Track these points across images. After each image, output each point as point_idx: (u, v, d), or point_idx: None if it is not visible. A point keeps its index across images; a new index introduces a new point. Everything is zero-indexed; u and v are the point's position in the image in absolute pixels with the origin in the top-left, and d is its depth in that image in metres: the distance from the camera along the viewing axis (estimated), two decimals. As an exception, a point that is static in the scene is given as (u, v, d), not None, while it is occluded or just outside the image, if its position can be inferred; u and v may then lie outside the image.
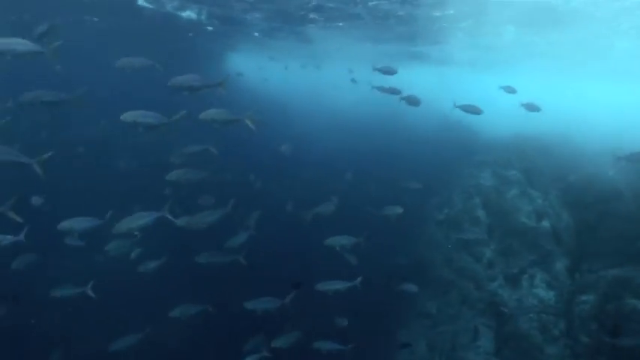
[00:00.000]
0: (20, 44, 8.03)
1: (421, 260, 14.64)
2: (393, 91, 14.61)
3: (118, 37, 22.21)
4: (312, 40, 25.04)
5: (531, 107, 14.37)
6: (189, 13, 20.86)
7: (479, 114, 13.62)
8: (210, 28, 23.54)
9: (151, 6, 19.99)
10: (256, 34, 24.84)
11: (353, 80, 26.02)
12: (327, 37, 23.97)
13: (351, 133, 23.15)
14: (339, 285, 10.62)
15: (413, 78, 22.84)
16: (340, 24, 21.41)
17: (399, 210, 12.81)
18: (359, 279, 10.79)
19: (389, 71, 14.48)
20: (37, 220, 9.18)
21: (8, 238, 8.82)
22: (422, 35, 22.92)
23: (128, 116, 8.34)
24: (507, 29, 20.54)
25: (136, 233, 9.17)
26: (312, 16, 20.17)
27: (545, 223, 14.21)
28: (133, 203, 9.86)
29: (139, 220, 9.05)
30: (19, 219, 8.51)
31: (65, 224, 9.12)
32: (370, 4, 17.84)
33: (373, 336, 12.65)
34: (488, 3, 16.74)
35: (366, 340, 12.06)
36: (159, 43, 22.90)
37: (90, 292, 10.07)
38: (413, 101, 14.07)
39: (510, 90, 14.85)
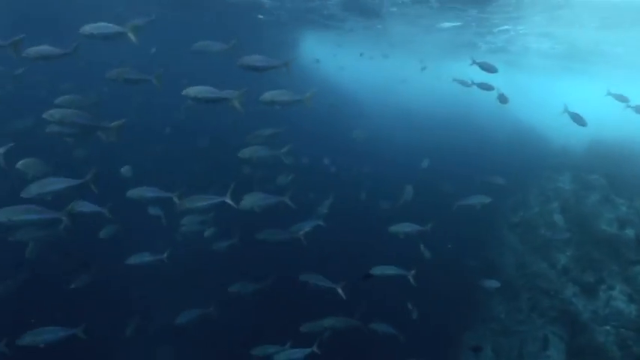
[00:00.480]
0: (107, 27, 9.00)
1: (492, 262, 14.15)
2: (487, 87, 13.97)
3: (196, 25, 22.77)
4: (383, 29, 24.73)
5: None
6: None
7: (584, 126, 12.94)
8: (283, 14, 23.67)
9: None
10: (327, 21, 24.82)
11: (423, 68, 25.38)
12: (397, 25, 23.67)
13: (422, 127, 22.82)
14: (391, 271, 10.43)
15: (479, 78, 22.17)
16: (409, 11, 21.00)
17: (486, 199, 12.36)
18: (412, 271, 10.55)
19: (489, 68, 13.74)
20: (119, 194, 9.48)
21: (90, 206, 9.01)
22: (493, 26, 22.18)
23: (190, 91, 8.66)
24: (587, 28, 19.49)
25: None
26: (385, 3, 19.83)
27: (629, 232, 13.35)
28: (213, 182, 10.10)
29: (199, 201, 9.36)
30: (96, 190, 8.86)
31: (134, 192, 9.32)
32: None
33: (438, 335, 12.36)
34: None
35: (430, 338, 11.81)
36: (232, 28, 23.32)
37: (165, 259, 10.45)
38: (503, 100, 13.55)
39: (623, 99, 13.89)
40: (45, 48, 8.75)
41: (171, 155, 15.04)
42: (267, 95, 9.34)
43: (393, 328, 11.06)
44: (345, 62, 30.25)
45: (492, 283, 12.13)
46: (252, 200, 9.58)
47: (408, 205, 12.87)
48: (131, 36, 9.09)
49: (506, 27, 22.45)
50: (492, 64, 13.75)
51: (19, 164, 8.89)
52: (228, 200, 9.39)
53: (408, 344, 11.16)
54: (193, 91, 8.62)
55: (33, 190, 8.26)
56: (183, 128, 16.38)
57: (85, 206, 8.89)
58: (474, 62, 13.94)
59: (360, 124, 17.45)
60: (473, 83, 14.28)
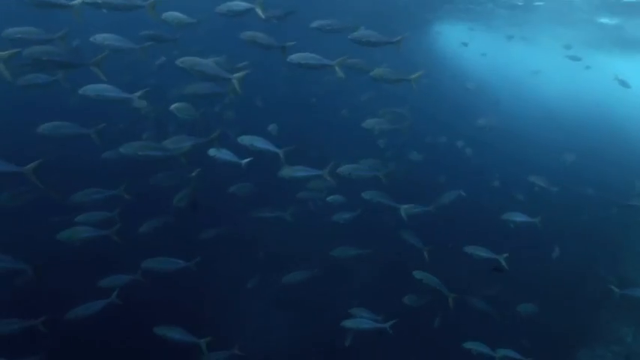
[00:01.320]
0: (237, 5, 9.71)
1: (623, 278, 12.96)
2: None
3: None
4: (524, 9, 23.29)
5: None
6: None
7: None
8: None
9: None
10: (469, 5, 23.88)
11: (573, 58, 23.08)
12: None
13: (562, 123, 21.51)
14: (485, 253, 10.06)
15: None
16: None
17: None
18: (505, 254, 9.95)
19: None
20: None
21: (229, 154, 9.36)
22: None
23: (294, 58, 9.00)
24: None
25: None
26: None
27: None
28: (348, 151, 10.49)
29: (297, 172, 9.71)
30: (218, 148, 9.37)
31: (245, 139, 9.59)
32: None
33: (551, 343, 11.65)
34: None
35: (541, 344, 11.17)
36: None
37: (288, 217, 11.45)
38: None
39: None
40: (179, 15, 9.73)
41: (308, 122, 15.84)
42: (376, 72, 9.75)
43: (489, 306, 11.05)
44: (485, 48, 28.95)
45: None
46: (350, 168, 9.92)
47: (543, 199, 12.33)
48: (259, 12, 9.67)
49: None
50: None
51: (172, 107, 9.53)
52: (326, 175, 9.60)
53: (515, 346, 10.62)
54: (297, 57, 9.01)
55: (167, 145, 9.20)
56: (324, 100, 17.25)
57: (223, 154, 9.40)
58: None
59: (493, 113, 16.93)
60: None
